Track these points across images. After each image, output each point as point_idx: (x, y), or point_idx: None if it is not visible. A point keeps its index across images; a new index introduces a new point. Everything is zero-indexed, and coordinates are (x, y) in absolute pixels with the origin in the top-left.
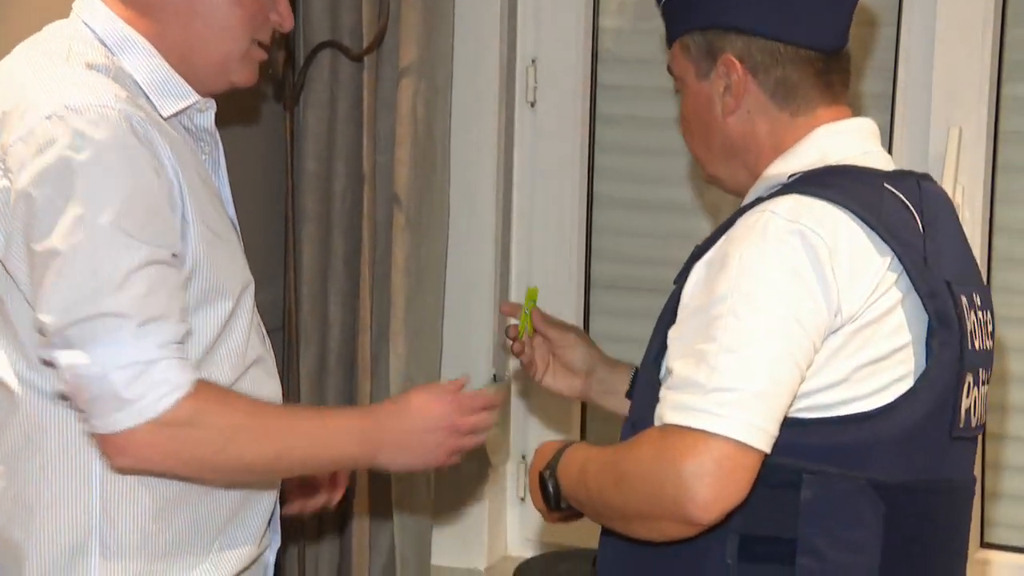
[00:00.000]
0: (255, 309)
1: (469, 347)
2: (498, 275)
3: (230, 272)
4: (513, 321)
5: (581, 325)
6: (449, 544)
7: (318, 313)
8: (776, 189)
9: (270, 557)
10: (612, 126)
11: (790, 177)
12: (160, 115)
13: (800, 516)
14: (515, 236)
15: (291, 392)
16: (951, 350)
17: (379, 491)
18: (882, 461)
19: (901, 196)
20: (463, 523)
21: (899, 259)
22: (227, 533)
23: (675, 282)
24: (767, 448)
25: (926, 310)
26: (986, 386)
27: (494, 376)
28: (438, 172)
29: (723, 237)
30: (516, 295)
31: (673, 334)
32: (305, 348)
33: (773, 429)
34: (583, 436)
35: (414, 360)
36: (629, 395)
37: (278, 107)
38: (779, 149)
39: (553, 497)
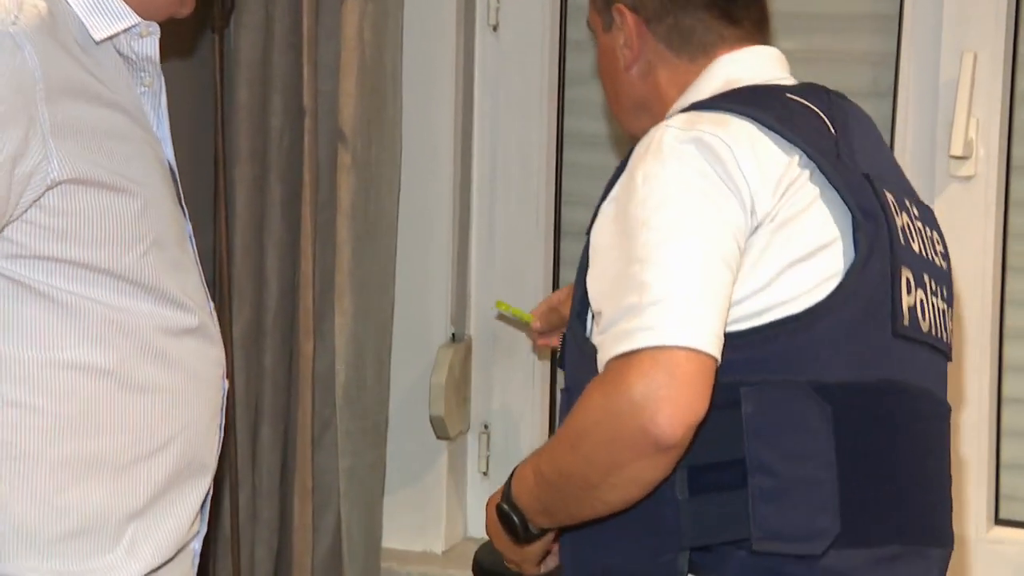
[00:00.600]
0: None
1: (425, 303)
2: (457, 221)
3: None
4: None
5: (549, 276)
6: (402, 524)
7: (253, 266)
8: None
9: (196, 545)
10: (584, 53)
11: (689, 107)
12: (92, 38)
13: (744, 433)
14: (476, 177)
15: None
16: (880, 242)
17: (323, 464)
18: (820, 361)
19: (807, 103)
20: (418, 501)
21: (807, 156)
22: (148, 516)
23: (587, 232)
24: (716, 352)
25: (846, 204)
26: (946, 304)
27: (452, 335)
28: (388, 105)
29: (623, 172)
30: (477, 243)
31: (592, 277)
32: (239, 306)
33: (718, 330)
34: (552, 403)
35: (363, 318)
36: (561, 363)
37: (205, 30)
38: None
39: (520, 525)
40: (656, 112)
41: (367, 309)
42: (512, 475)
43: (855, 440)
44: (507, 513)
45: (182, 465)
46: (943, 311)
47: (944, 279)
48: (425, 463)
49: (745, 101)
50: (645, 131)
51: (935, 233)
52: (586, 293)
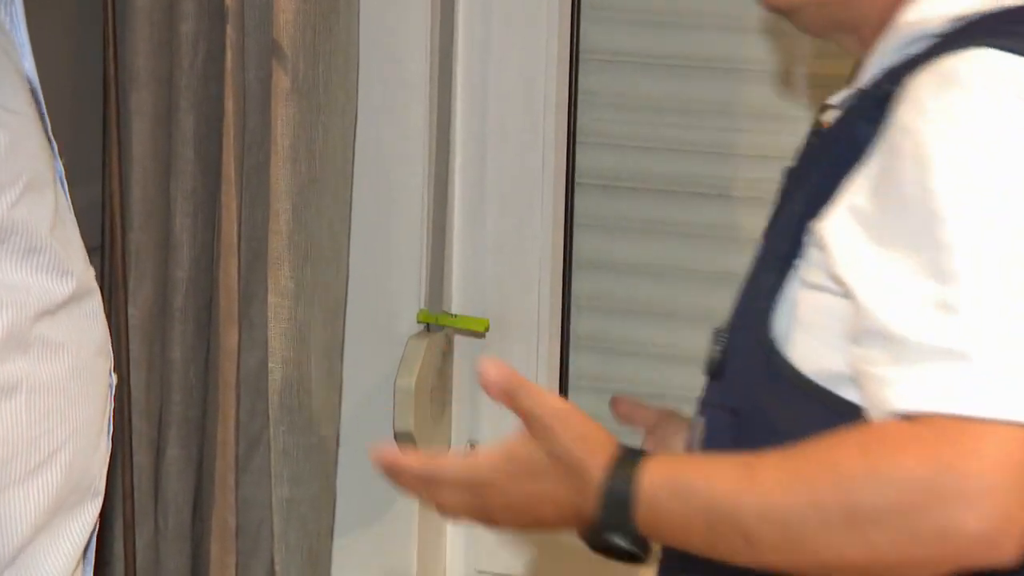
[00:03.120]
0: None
1: (390, 279)
2: (432, 168)
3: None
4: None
5: (560, 245)
6: (359, 573)
7: (156, 226)
8: (934, 42)
9: None
10: None
11: (952, 23)
12: None
13: None
14: (459, 109)
15: (115, 346)
16: None
17: (251, 496)
18: None
19: None
20: (380, 545)
21: None
22: (16, 567)
23: (784, 188)
24: None
25: None
26: None
27: (427, 325)
28: (341, 9)
29: (890, 120)
30: (461, 199)
31: (851, 271)
32: (136, 281)
33: None
34: None
35: (306, 298)
36: (716, 369)
37: None
38: None
39: (639, 555)
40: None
41: (312, 287)
42: (628, 492)
43: None
44: (621, 549)
45: (66, 490)
46: None
47: None
48: (389, 494)
49: None
50: (816, 4)
51: None
52: (778, 284)
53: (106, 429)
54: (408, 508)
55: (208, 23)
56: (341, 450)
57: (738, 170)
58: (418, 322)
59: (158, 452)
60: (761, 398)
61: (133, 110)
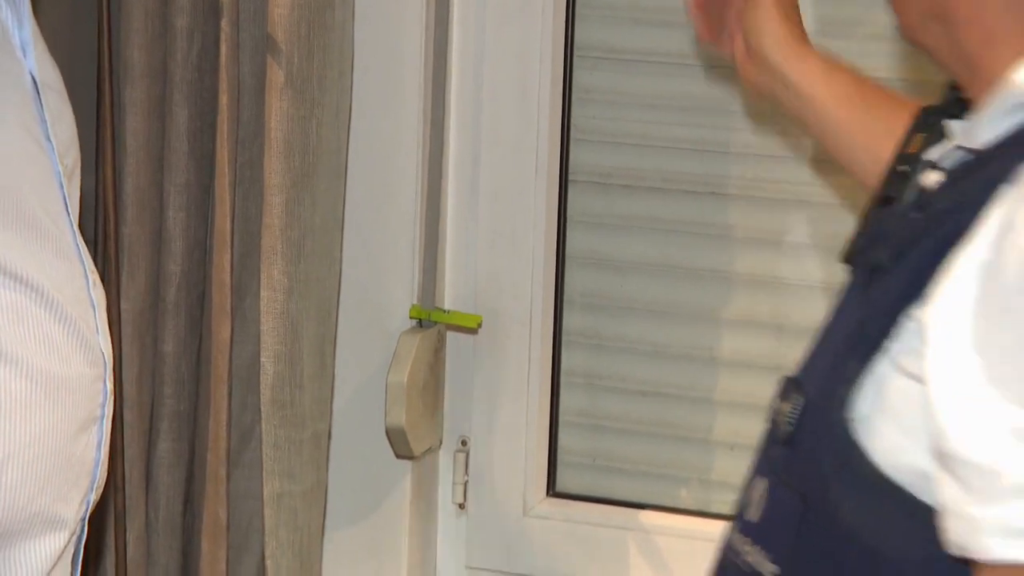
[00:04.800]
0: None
1: (383, 274)
2: (426, 163)
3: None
4: None
5: (553, 240)
6: (350, 573)
7: (149, 219)
8: None
9: None
10: None
11: None
12: None
13: None
14: (453, 105)
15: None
16: None
17: (242, 490)
18: None
19: None
20: (371, 541)
21: None
22: None
23: (851, 261)
24: None
25: None
26: None
27: (419, 320)
28: (336, 4)
29: (1002, 203)
30: (455, 194)
31: (937, 356)
32: (129, 273)
33: None
34: (555, 408)
35: (299, 293)
36: (787, 440)
37: None
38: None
39: None
40: (957, 37)
41: (305, 281)
42: None
43: None
44: None
45: (16, 510)
46: None
47: None
48: (380, 490)
49: None
50: (935, 45)
51: None
52: (861, 367)
53: (92, 441)
54: (399, 503)
55: (203, 16)
56: (333, 445)
57: (732, 168)
58: (410, 318)
59: (149, 445)
60: (831, 488)
61: (127, 103)
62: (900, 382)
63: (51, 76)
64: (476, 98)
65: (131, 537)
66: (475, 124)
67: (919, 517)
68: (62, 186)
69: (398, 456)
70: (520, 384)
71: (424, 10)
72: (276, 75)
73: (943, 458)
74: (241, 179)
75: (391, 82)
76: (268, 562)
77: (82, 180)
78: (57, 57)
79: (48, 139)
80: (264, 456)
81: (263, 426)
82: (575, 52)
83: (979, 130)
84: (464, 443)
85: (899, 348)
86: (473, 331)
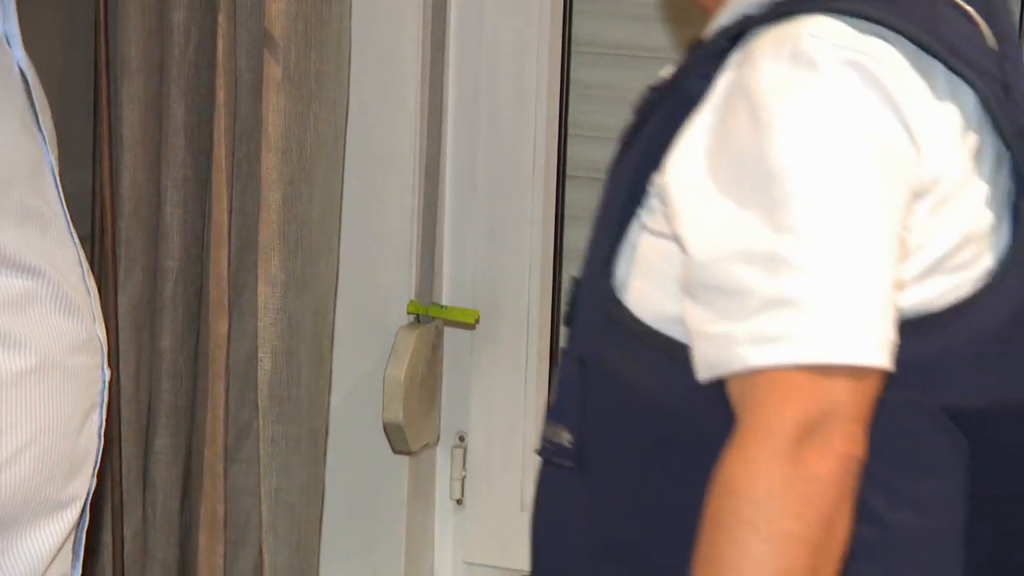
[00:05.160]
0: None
1: (381, 270)
2: (423, 159)
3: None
4: None
5: (551, 236)
6: (347, 568)
7: (146, 214)
8: (771, 5)
9: None
10: None
11: None
12: None
13: None
14: (451, 101)
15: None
16: None
17: (240, 485)
18: (958, 377)
19: (959, 2)
20: (368, 537)
21: (974, 90)
22: None
23: (624, 140)
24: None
25: (1014, 159)
26: None
27: (417, 316)
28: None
29: (724, 78)
30: (452, 190)
31: (686, 230)
32: (126, 269)
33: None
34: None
35: (296, 289)
36: (568, 320)
37: None
38: None
39: None
40: None
41: (302, 276)
42: None
43: (995, 488)
44: None
45: (29, 496)
46: None
47: None
48: (377, 486)
49: (889, 3)
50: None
51: None
52: (618, 233)
53: (92, 427)
54: (397, 499)
55: (200, 11)
56: (330, 440)
57: None
58: (408, 313)
59: (147, 441)
60: (602, 346)
61: (124, 98)
62: (649, 240)
63: (31, 69)
64: (474, 94)
65: (128, 532)
66: (473, 120)
67: (680, 358)
68: (55, 176)
69: (395, 452)
70: (517, 379)
71: (421, 5)
72: (273, 70)
73: (694, 292)
74: (238, 174)
75: (388, 77)
76: (265, 557)
77: (78, 175)
78: (54, 52)
79: (40, 130)
80: (261, 452)
81: (260, 422)
82: (573, 48)
83: (710, 31)
84: (462, 439)
85: (646, 212)
86: (471, 327)
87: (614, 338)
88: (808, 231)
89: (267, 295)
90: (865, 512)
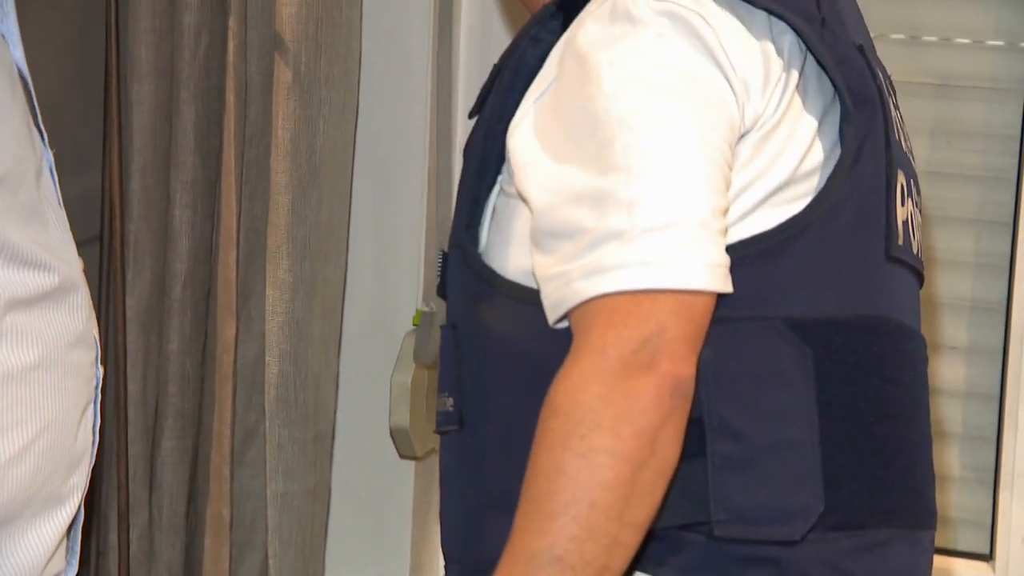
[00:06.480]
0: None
1: (389, 273)
2: (433, 162)
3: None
4: None
5: None
6: (353, 572)
7: (155, 217)
8: None
9: None
10: None
11: None
12: None
13: (702, 385)
14: (460, 102)
15: (112, 336)
16: (874, 138)
17: (246, 489)
18: (796, 291)
19: None
20: (375, 541)
21: (787, 22)
22: None
23: (473, 116)
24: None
25: (834, 85)
26: (919, 212)
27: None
28: (344, 2)
29: (562, 53)
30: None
31: (525, 185)
32: (135, 272)
33: (727, 263)
34: None
35: (304, 292)
36: (441, 291)
37: None
38: None
39: None
40: None
41: (310, 280)
42: None
43: (840, 393)
44: None
45: (32, 492)
46: (919, 224)
47: (916, 178)
48: (384, 490)
49: None
50: None
51: (899, 113)
52: (475, 200)
53: (88, 423)
54: (402, 503)
55: (211, 14)
56: (336, 444)
57: None
58: (414, 325)
59: (153, 443)
60: (471, 308)
61: (134, 100)
62: (506, 202)
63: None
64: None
65: (135, 535)
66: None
67: (537, 303)
68: (53, 174)
69: (401, 456)
70: None
71: (431, 9)
72: (284, 73)
73: (538, 241)
74: (247, 177)
75: (398, 81)
76: (271, 561)
77: (88, 177)
78: (64, 54)
79: (40, 129)
80: (268, 455)
81: (267, 425)
82: None
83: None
84: None
85: (504, 177)
86: None
87: (481, 298)
88: (632, 167)
89: (275, 299)
90: (722, 428)
